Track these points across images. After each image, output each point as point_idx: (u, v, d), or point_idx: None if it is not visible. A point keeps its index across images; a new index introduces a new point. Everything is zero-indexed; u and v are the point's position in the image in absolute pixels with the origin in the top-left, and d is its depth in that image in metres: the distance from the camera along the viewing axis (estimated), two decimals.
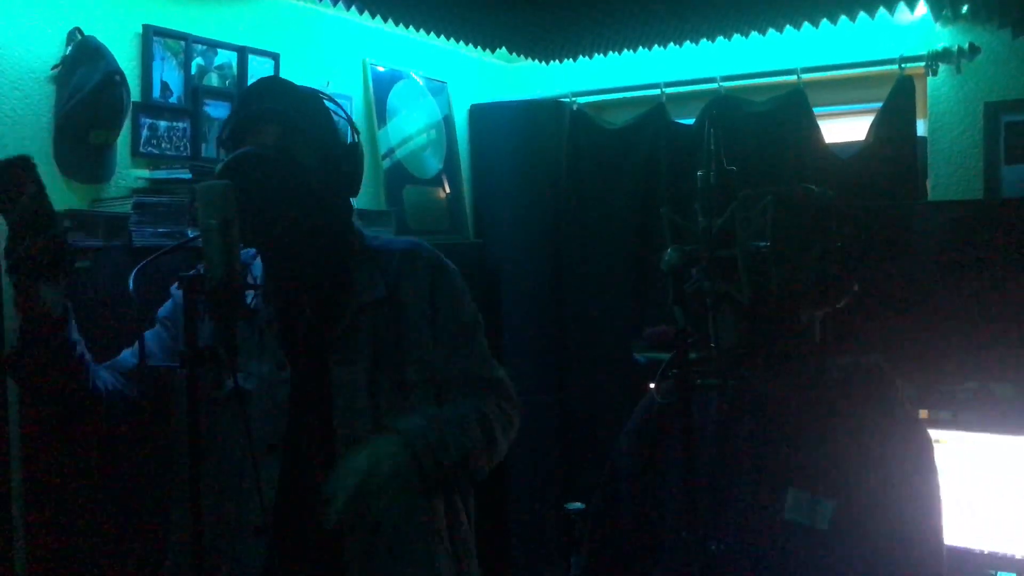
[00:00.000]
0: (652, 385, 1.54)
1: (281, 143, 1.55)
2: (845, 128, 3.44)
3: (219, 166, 1.55)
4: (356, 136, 1.69)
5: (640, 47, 3.28)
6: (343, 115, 1.69)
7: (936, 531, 1.39)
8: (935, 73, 3.07)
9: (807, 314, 1.41)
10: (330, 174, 1.60)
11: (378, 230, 2.90)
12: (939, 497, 1.41)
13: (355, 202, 1.72)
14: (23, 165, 1.35)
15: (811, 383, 1.40)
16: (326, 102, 1.66)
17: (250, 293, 1.56)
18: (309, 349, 1.61)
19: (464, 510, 1.74)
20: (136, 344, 1.65)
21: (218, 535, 1.55)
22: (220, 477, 1.56)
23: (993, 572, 2.33)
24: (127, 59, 2.35)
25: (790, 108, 3.19)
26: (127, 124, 2.31)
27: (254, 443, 1.48)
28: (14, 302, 1.41)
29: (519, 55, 3.51)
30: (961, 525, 2.30)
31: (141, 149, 2.40)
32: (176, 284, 1.66)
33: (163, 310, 1.70)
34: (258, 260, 1.69)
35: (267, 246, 1.63)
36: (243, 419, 1.43)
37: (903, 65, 3.06)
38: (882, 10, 2.81)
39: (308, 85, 1.72)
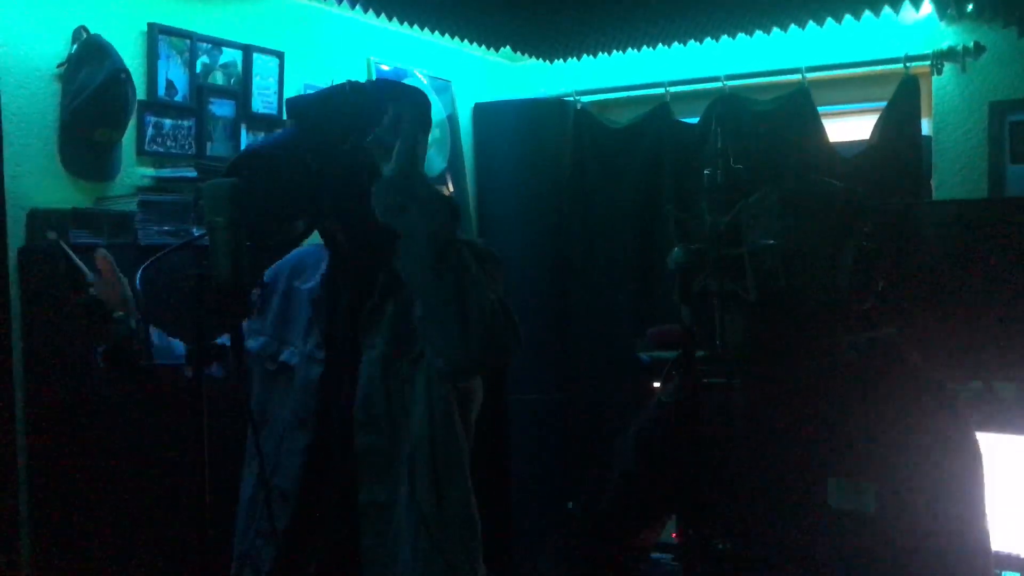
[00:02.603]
0: (656, 384, 1.54)
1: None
2: (850, 127, 3.43)
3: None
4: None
5: (644, 46, 3.28)
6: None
7: (977, 527, 1.37)
8: (940, 72, 3.07)
9: (840, 317, 1.40)
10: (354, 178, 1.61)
11: None
12: (980, 485, 1.38)
13: None
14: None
15: (829, 367, 1.39)
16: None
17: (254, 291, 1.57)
18: (343, 333, 1.67)
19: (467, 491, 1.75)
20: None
21: (256, 495, 1.65)
22: (264, 444, 1.62)
23: (998, 571, 2.33)
24: (132, 57, 2.35)
25: (795, 107, 3.19)
26: (132, 122, 2.32)
27: (292, 417, 1.61)
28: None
29: (523, 54, 3.51)
30: (992, 529, 2.30)
31: (146, 147, 2.40)
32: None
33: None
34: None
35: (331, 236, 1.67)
36: (303, 390, 1.49)
37: (908, 64, 3.06)
38: (887, 9, 2.80)
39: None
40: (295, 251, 1.75)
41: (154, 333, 1.65)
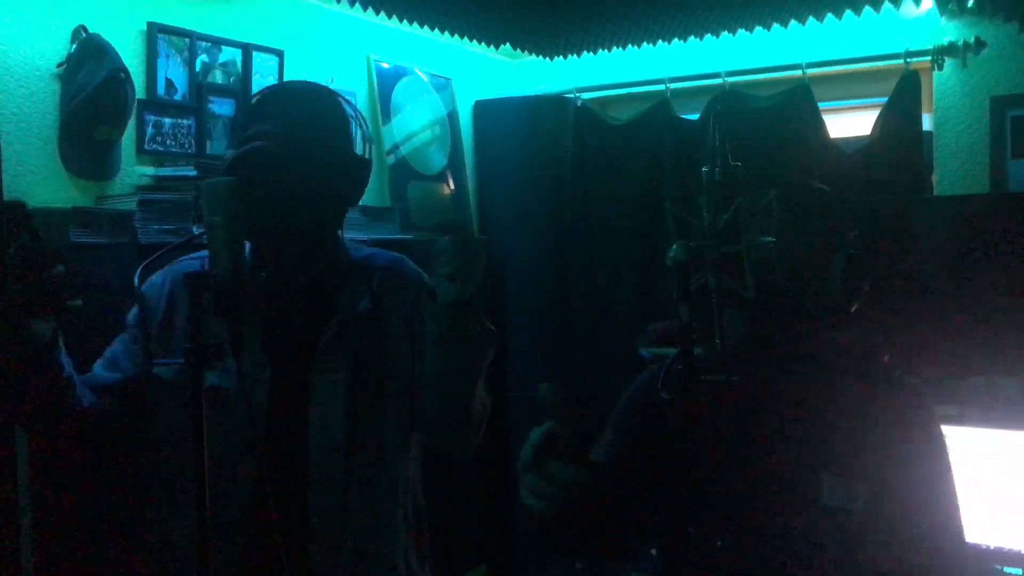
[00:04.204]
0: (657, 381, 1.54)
1: (292, 142, 1.56)
2: (850, 123, 3.43)
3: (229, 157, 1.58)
4: (369, 148, 1.69)
5: (644, 42, 3.27)
6: (361, 124, 1.70)
7: (950, 520, 1.39)
8: (941, 67, 3.06)
9: (827, 321, 1.42)
10: (335, 179, 1.61)
11: (382, 226, 2.92)
12: (949, 480, 1.40)
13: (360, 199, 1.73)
14: (16, 211, 1.39)
15: (815, 366, 1.41)
16: (346, 107, 1.67)
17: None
18: (291, 352, 1.62)
19: (421, 503, 1.77)
20: (105, 357, 1.68)
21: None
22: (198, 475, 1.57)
23: (999, 567, 2.33)
24: (132, 56, 2.35)
25: (795, 103, 3.18)
26: (132, 121, 2.31)
27: (233, 441, 1.51)
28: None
29: (523, 51, 3.51)
30: (967, 520, 2.30)
31: (146, 146, 2.40)
32: (143, 285, 1.66)
33: (132, 315, 1.68)
34: None
35: (264, 243, 1.64)
36: (245, 413, 1.45)
37: (908, 60, 3.05)
38: (887, 4, 2.80)
39: (324, 86, 1.73)
40: (180, 264, 1.66)
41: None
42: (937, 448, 1.41)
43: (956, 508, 1.41)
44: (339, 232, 1.73)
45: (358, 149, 1.68)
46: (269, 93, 1.68)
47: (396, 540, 1.67)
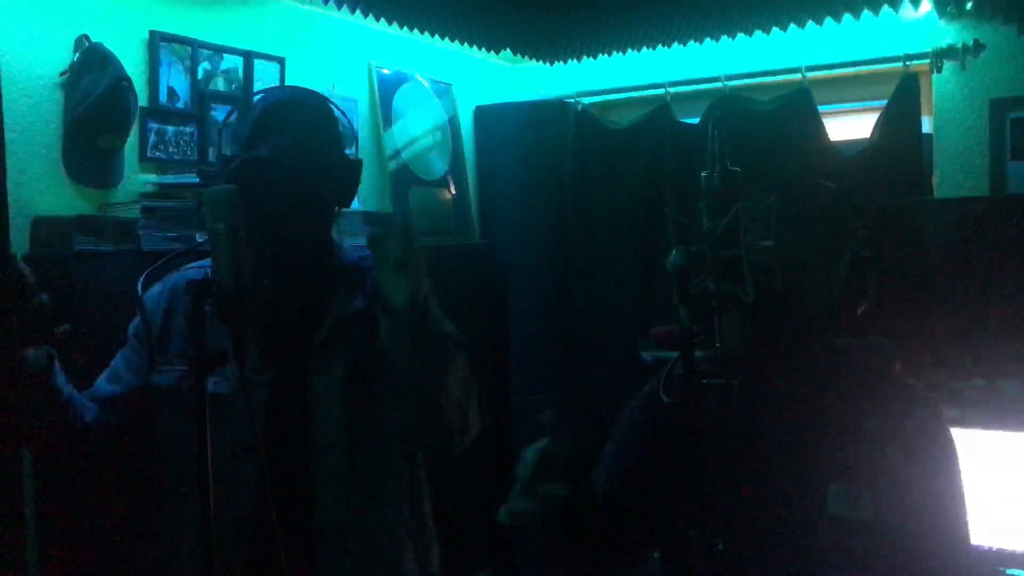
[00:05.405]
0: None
1: (298, 153, 1.58)
2: (850, 126, 3.44)
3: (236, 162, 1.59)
4: (356, 146, 1.71)
5: (644, 47, 3.29)
6: (349, 127, 1.71)
7: (957, 526, 1.38)
8: (940, 70, 3.07)
9: (834, 321, 1.41)
10: (330, 184, 1.63)
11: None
12: (958, 487, 1.39)
13: (362, 204, 1.74)
14: None
15: (817, 370, 1.40)
16: (335, 111, 1.69)
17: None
18: (289, 355, 1.63)
19: (426, 503, 1.78)
20: (108, 370, 1.70)
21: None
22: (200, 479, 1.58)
23: (1002, 569, 2.33)
24: (134, 65, 2.36)
25: (795, 106, 3.19)
26: (135, 129, 2.33)
27: (235, 445, 1.53)
28: None
29: (524, 56, 3.52)
30: (970, 522, 2.31)
31: (149, 154, 2.41)
32: (146, 293, 1.67)
33: (133, 326, 1.70)
34: None
35: (268, 250, 1.64)
36: (251, 417, 1.46)
37: (908, 62, 3.06)
38: (886, 7, 2.81)
39: (316, 91, 1.74)
40: (178, 274, 1.68)
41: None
42: (947, 456, 1.39)
43: (964, 519, 1.39)
44: (333, 235, 1.74)
45: (348, 149, 1.71)
46: (270, 104, 1.68)
47: (402, 543, 1.68)
